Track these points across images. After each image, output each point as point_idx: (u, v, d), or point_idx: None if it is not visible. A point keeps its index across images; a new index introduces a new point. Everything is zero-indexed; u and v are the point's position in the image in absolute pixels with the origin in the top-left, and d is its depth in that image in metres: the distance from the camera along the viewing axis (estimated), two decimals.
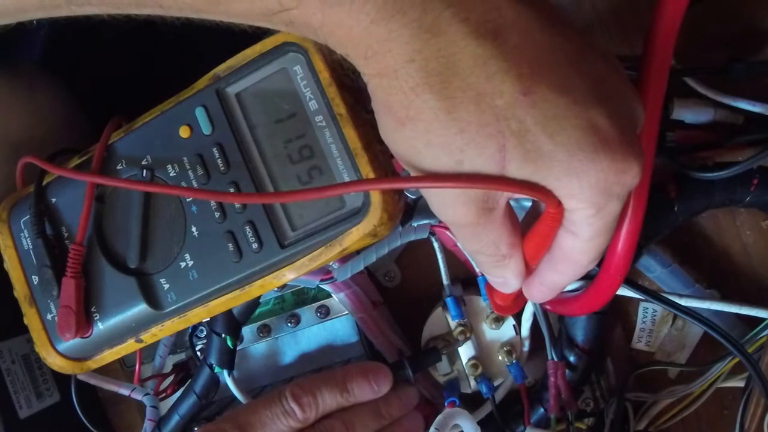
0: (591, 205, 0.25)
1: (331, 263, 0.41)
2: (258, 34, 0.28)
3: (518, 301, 0.36)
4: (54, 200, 0.39)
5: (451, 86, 0.24)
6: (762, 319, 0.39)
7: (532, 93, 0.24)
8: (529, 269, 0.30)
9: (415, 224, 0.42)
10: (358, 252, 0.41)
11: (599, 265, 0.33)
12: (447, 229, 0.42)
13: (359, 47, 0.25)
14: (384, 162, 0.32)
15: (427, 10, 0.24)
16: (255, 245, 0.34)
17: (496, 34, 0.24)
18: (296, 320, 0.46)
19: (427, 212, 0.41)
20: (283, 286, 0.45)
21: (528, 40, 0.24)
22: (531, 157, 0.25)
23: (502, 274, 0.30)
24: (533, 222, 0.29)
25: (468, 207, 0.27)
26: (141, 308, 0.37)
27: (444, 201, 0.28)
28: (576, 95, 0.24)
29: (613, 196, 0.26)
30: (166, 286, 0.36)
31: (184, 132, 0.35)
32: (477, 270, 0.42)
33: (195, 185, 0.35)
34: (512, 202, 0.28)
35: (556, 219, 0.27)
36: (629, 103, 0.26)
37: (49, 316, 0.39)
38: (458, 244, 0.42)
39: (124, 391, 0.45)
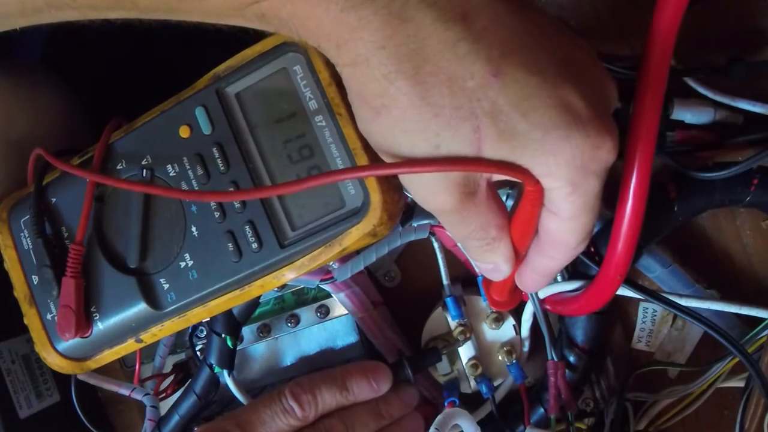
0: (568, 182, 0.26)
1: (331, 263, 0.41)
2: (257, 32, 0.28)
3: (514, 295, 0.36)
4: (54, 200, 0.39)
5: (422, 71, 0.24)
6: (762, 319, 0.39)
7: (502, 74, 0.24)
8: (519, 256, 0.31)
9: (415, 224, 0.42)
10: (358, 252, 0.41)
11: (599, 265, 0.33)
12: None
13: (330, 37, 0.25)
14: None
15: None
16: (255, 245, 0.34)
17: (464, 17, 0.24)
18: (296, 320, 0.46)
19: (427, 212, 0.41)
20: (283, 286, 0.45)
21: (496, 22, 0.24)
22: (505, 137, 0.25)
23: (492, 259, 0.30)
24: None
25: (450, 192, 0.27)
26: (141, 308, 0.37)
27: (426, 189, 0.28)
28: (546, 75, 0.25)
29: (589, 172, 0.26)
30: (166, 286, 0.36)
31: (184, 132, 0.35)
32: (477, 270, 0.42)
33: (195, 185, 0.35)
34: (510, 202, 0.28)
35: (537, 198, 0.27)
36: (600, 83, 0.27)
37: (49, 316, 0.39)
38: (455, 241, 0.42)
39: (124, 391, 0.44)
